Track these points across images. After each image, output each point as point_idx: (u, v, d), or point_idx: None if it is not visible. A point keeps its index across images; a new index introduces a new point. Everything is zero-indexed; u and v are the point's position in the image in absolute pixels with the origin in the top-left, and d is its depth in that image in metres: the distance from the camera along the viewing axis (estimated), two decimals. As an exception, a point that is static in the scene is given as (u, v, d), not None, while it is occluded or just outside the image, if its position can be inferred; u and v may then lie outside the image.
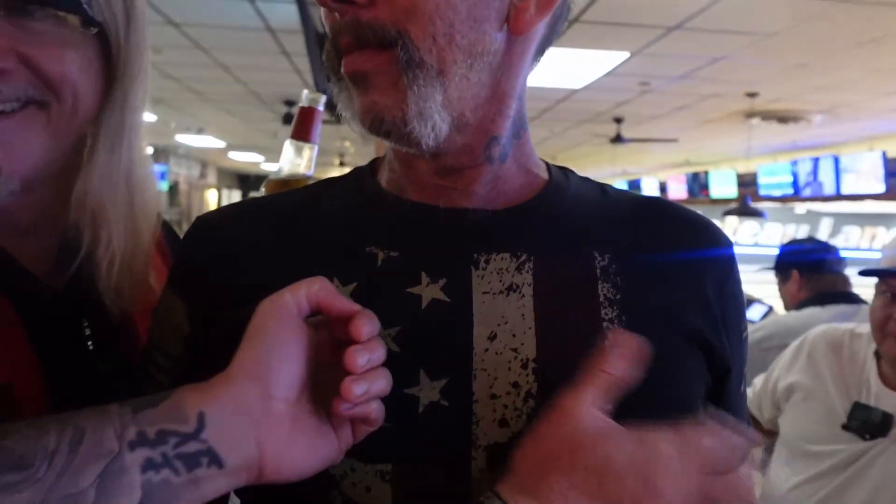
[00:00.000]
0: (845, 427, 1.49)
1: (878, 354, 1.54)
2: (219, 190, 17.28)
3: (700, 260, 0.65)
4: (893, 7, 3.25)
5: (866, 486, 1.43)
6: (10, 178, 0.60)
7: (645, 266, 0.62)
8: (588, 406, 0.51)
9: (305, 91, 0.90)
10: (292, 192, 0.72)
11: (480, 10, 0.55)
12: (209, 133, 9.87)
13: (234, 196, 17.30)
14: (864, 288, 2.39)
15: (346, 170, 0.72)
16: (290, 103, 6.58)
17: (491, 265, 0.59)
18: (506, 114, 0.61)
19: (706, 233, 0.67)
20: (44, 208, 0.68)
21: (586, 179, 0.70)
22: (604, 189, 0.70)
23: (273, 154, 12.23)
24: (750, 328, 2.57)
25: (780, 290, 2.59)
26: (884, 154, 6.95)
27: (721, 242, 0.67)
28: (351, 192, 0.67)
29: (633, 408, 0.55)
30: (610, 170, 12.79)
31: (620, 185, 14.06)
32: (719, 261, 0.66)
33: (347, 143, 10.82)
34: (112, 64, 0.67)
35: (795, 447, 1.63)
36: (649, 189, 12.61)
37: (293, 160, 0.88)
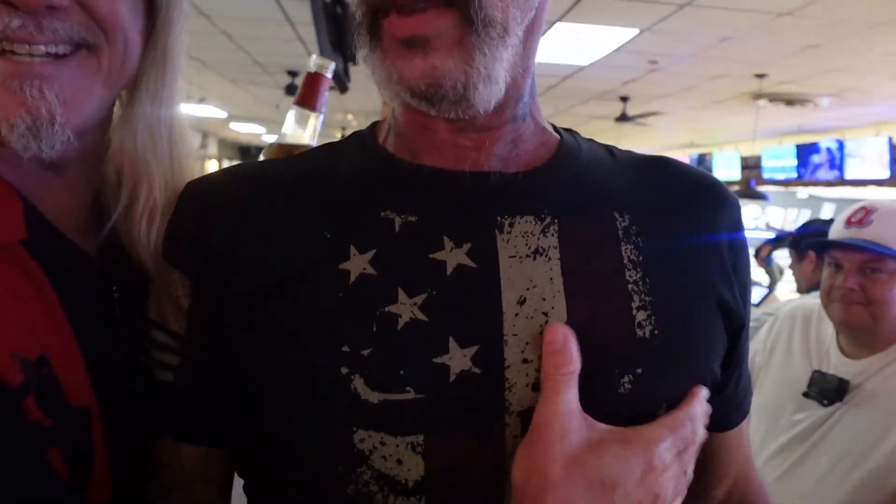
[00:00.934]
0: (805, 395, 1.57)
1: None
2: (219, 161, 17.18)
3: (712, 218, 0.64)
4: (910, -11, 3.20)
5: (829, 451, 1.49)
6: (64, 127, 0.58)
7: (662, 226, 0.61)
8: (571, 416, 0.51)
9: (314, 56, 0.85)
10: (290, 157, 0.69)
11: None
12: (210, 103, 9.79)
13: (235, 167, 17.14)
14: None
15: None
16: (293, 73, 6.51)
17: (516, 228, 0.58)
18: (530, 70, 0.60)
19: (715, 190, 0.67)
20: (83, 163, 0.66)
21: (591, 140, 0.69)
22: (610, 150, 0.69)
23: (275, 125, 12.15)
24: (757, 312, 2.55)
25: (793, 268, 2.62)
26: (890, 140, 6.91)
27: (729, 199, 0.67)
28: (356, 157, 0.64)
29: (660, 369, 0.56)
30: (613, 149, 12.72)
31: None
32: (729, 218, 0.65)
33: (350, 116, 10.75)
34: (154, 14, 0.65)
35: (768, 418, 1.68)
36: (652, 170, 12.57)
37: (296, 128, 0.84)
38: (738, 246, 0.65)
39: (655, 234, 0.60)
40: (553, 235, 0.58)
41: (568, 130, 0.68)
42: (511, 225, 0.58)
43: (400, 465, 0.52)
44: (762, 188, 8.46)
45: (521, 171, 0.61)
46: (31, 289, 0.58)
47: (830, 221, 2.75)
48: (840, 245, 1.54)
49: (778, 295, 4.40)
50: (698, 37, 4.39)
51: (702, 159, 10.51)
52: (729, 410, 0.70)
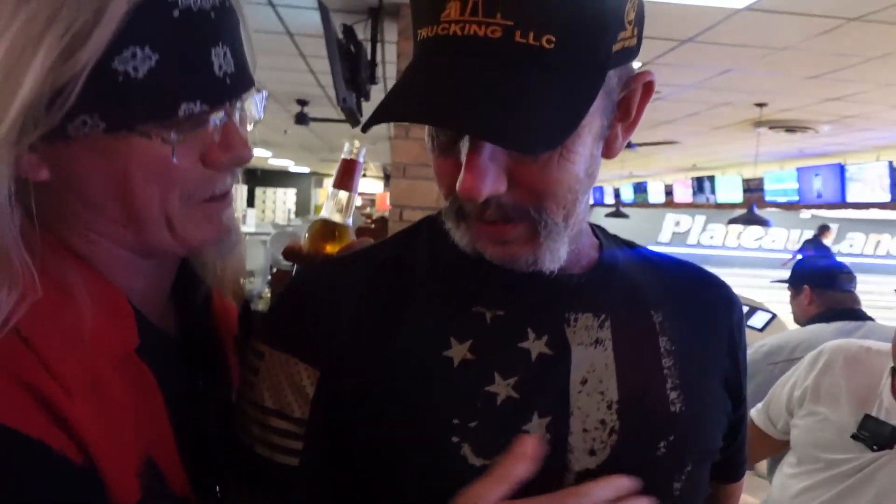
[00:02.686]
0: (854, 437, 1.56)
1: (894, 370, 1.60)
2: (226, 183, 17.11)
3: (723, 312, 0.78)
4: (904, 26, 3.30)
5: (869, 492, 1.51)
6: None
7: (685, 320, 0.74)
8: (498, 499, 0.59)
9: (347, 143, 0.97)
10: (380, 247, 0.76)
11: (595, 163, 0.64)
12: (219, 128, 9.89)
13: (242, 190, 17.23)
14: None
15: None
16: (302, 102, 6.64)
17: (580, 323, 0.69)
18: (588, 200, 0.69)
19: (721, 287, 0.80)
20: None
21: (615, 237, 0.80)
22: (631, 245, 0.80)
23: (281, 150, 12.28)
24: (756, 343, 2.59)
25: (791, 302, 2.71)
26: (890, 164, 6.99)
27: (735, 299, 0.80)
28: (437, 249, 0.72)
29: (685, 437, 0.68)
30: (617, 173, 12.80)
31: (626, 187, 14.03)
32: (734, 311, 0.79)
33: (356, 143, 10.85)
34: None
35: (805, 454, 1.70)
36: (655, 192, 12.63)
37: (334, 207, 0.97)
38: (742, 332, 0.79)
39: (681, 327, 0.73)
40: (607, 329, 0.70)
41: (598, 227, 0.78)
42: (576, 320, 0.69)
43: None
44: (764, 211, 8.53)
45: (580, 273, 0.72)
46: (139, 390, 0.61)
47: (819, 250, 2.83)
48: None
49: (782, 318, 4.43)
50: (700, 69, 4.50)
51: (703, 182, 10.59)
52: (738, 464, 0.84)
